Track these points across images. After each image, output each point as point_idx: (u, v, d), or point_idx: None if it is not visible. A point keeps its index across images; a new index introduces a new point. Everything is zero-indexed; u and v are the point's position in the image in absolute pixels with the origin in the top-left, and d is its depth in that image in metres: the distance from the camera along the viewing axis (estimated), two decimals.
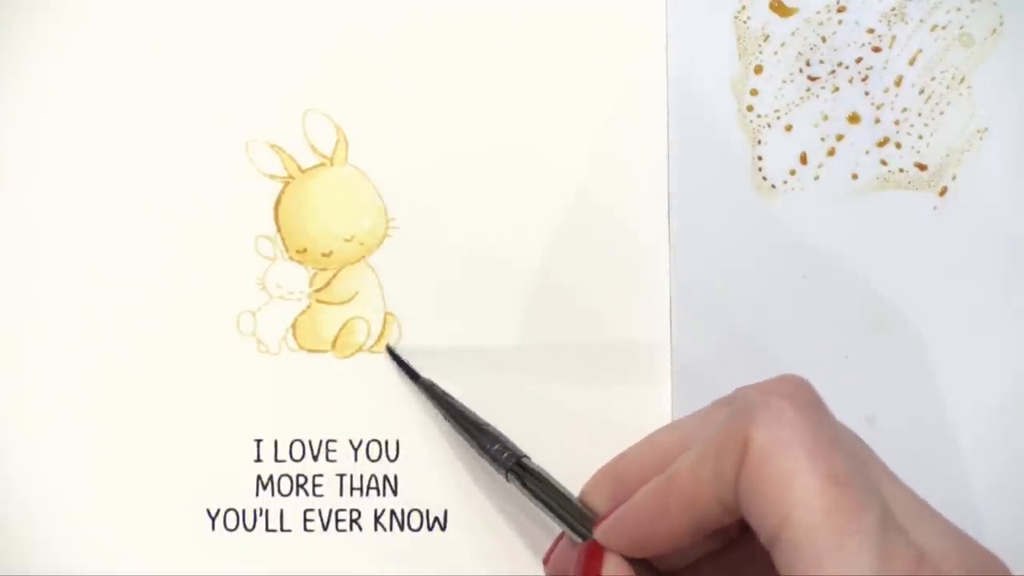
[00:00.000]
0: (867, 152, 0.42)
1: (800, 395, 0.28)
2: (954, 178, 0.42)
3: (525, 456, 0.36)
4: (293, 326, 0.40)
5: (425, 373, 0.39)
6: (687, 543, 0.30)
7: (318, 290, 0.40)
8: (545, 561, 0.35)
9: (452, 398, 0.38)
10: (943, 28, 0.42)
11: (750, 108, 0.42)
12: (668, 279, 0.41)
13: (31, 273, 0.40)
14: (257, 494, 0.39)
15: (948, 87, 0.42)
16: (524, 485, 0.35)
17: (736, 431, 0.28)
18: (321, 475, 0.39)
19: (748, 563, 0.31)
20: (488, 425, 0.37)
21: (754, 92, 0.42)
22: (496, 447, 0.36)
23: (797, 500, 0.26)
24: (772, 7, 0.42)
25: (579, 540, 0.33)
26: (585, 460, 0.34)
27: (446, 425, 0.38)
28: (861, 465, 0.28)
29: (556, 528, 0.35)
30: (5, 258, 0.40)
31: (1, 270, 0.40)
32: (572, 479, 0.35)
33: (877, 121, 0.42)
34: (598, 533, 0.32)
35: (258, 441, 0.39)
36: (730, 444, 0.28)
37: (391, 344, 0.40)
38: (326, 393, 0.40)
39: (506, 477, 0.36)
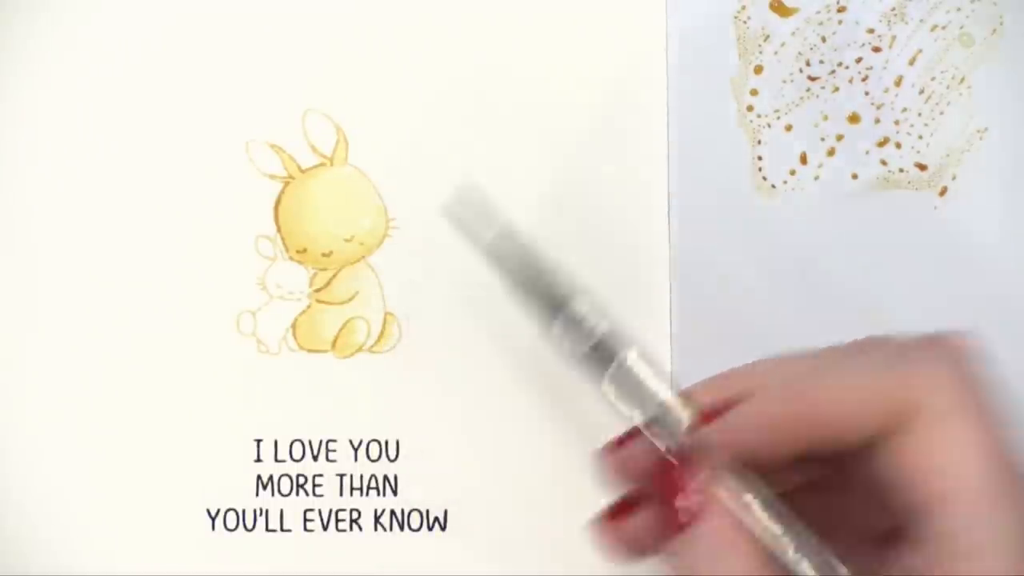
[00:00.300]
0: (867, 152, 0.42)
1: (969, 357, 0.28)
2: (954, 178, 0.42)
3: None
4: (293, 326, 0.40)
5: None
6: (785, 467, 0.28)
7: (318, 290, 0.40)
8: (607, 451, 0.31)
9: (529, 254, 0.32)
10: (943, 28, 0.42)
11: (750, 108, 0.42)
12: (668, 279, 0.41)
13: (31, 273, 0.40)
14: (257, 494, 0.39)
15: (948, 87, 0.42)
16: (610, 377, 0.30)
17: (900, 386, 0.27)
18: (321, 475, 0.39)
19: (818, 508, 0.29)
20: (575, 296, 0.31)
21: (754, 92, 0.42)
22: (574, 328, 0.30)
23: (962, 475, 0.26)
24: (772, 7, 0.42)
25: (667, 446, 0.29)
26: (585, 460, 0.34)
27: (446, 424, 0.38)
28: (1013, 438, 0.27)
29: (555, 524, 0.35)
30: (5, 258, 0.40)
31: (1, 270, 0.40)
32: (570, 479, 0.34)
33: (877, 121, 0.42)
34: (701, 436, 0.29)
35: (258, 441, 0.39)
36: (891, 394, 0.27)
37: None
38: (326, 393, 0.40)
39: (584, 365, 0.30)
